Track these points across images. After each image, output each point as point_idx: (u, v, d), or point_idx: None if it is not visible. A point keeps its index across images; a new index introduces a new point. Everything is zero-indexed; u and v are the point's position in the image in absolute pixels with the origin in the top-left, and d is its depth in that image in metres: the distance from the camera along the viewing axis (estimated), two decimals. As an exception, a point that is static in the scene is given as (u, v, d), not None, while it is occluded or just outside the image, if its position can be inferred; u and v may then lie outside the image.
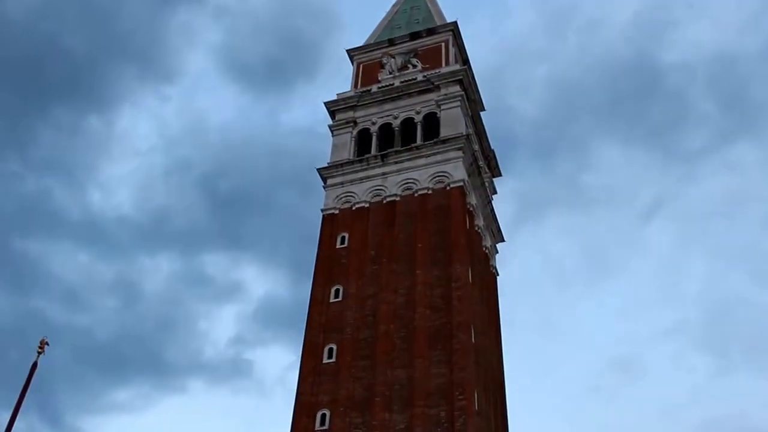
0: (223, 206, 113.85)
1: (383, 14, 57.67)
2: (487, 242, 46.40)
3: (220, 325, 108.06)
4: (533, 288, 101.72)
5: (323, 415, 35.54)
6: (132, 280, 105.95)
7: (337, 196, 44.03)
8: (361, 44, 53.83)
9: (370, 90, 49.32)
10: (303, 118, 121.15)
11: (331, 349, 37.71)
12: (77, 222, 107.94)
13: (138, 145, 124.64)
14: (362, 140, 47.06)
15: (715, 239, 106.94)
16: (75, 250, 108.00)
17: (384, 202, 42.88)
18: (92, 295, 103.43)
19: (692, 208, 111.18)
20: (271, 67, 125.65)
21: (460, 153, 43.19)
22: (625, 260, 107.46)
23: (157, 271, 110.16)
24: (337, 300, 39.44)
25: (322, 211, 43.74)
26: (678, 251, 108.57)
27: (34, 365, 24.09)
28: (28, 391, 23.76)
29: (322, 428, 35.13)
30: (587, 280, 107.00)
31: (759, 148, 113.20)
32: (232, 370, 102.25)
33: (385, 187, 43.42)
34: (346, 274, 40.22)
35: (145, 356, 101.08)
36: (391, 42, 52.37)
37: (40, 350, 24.35)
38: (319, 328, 38.46)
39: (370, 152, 45.77)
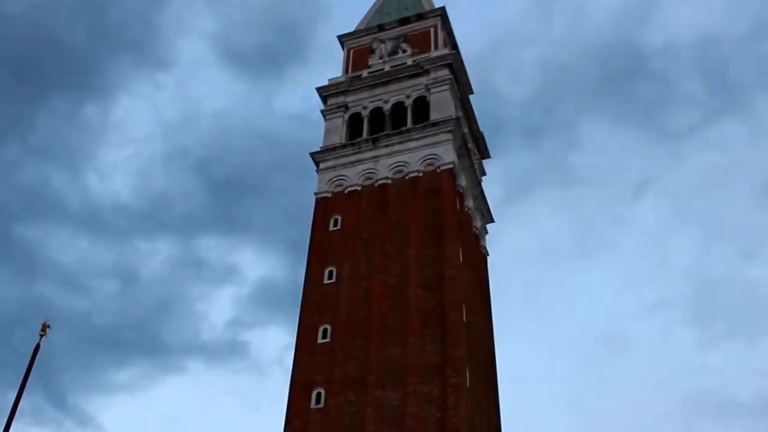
0: (218, 191, 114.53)
1: (373, 1, 57.77)
2: (477, 223, 46.76)
3: (218, 308, 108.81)
4: (523, 267, 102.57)
5: (318, 394, 35.99)
6: (130, 265, 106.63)
7: (330, 180, 44.33)
8: (351, 30, 53.94)
9: (361, 75, 49.55)
10: (296, 104, 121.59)
11: (325, 330, 38.10)
12: (76, 208, 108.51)
13: (134, 133, 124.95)
14: (354, 124, 47.36)
15: (702, 216, 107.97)
16: (74, 236, 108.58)
17: (376, 185, 43.22)
18: (92, 279, 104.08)
19: (679, 185, 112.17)
20: (264, 54, 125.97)
21: (449, 136, 43.51)
22: (614, 237, 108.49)
23: (155, 255, 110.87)
24: (331, 281, 39.76)
25: (315, 194, 44.06)
26: (666, 228, 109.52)
27: (37, 347, 24.53)
28: (32, 372, 24.23)
29: (317, 406, 35.59)
30: (576, 257, 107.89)
31: (743, 126, 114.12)
32: (229, 351, 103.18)
33: (377, 170, 43.73)
34: (340, 256, 40.53)
35: (145, 338, 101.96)
36: (381, 27, 52.54)
37: (42, 333, 24.77)
38: (314, 309, 38.83)
39: (361, 136, 46.07)
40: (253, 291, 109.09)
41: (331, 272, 40.16)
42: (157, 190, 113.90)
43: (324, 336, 37.97)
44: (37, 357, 24.53)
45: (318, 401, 35.83)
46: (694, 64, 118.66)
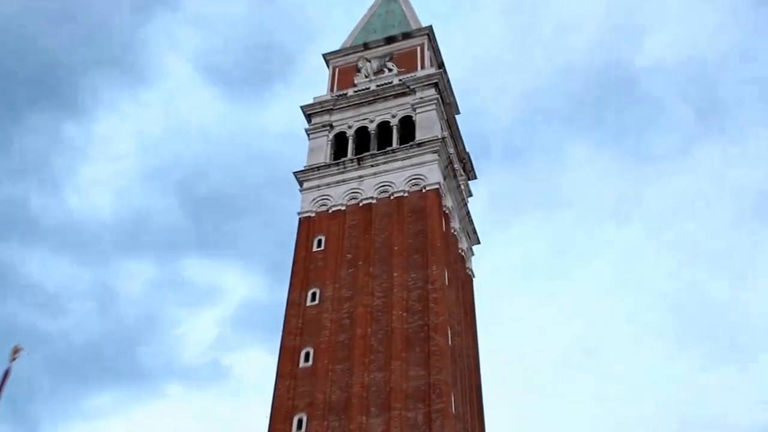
0: (201, 210, 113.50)
1: (359, 18, 57.50)
2: (463, 244, 46.37)
3: (199, 330, 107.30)
4: (506, 288, 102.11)
5: (300, 420, 35.22)
6: (110, 285, 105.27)
7: (314, 199, 43.80)
8: (337, 48, 53.62)
9: (346, 94, 49.18)
10: (281, 122, 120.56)
11: (307, 353, 37.46)
12: (55, 226, 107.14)
13: (116, 150, 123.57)
14: (338, 144, 46.91)
15: (685, 237, 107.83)
16: (52, 255, 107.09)
17: (360, 205, 42.71)
18: (69, 300, 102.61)
19: (661, 207, 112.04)
20: (249, 71, 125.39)
21: (435, 156, 43.14)
22: (596, 258, 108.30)
23: (136, 275, 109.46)
24: (314, 303, 39.19)
25: (299, 214, 43.49)
26: (647, 250, 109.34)
27: (7, 372, 23.60)
28: (1, 399, 23.29)
29: (299, 432, 34.88)
30: (558, 277, 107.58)
31: (728, 148, 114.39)
32: (210, 375, 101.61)
33: (362, 190, 43.26)
34: (323, 277, 39.99)
35: (123, 361, 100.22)
36: (367, 46, 52.22)
37: (13, 357, 23.85)
38: (296, 332, 38.18)
39: (346, 155, 45.61)
40: (236, 313, 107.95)
41: (314, 294, 39.61)
42: (138, 209, 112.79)
43: (306, 359, 37.33)
44: (7, 382, 23.61)
45: (300, 427, 35.05)
46: (678, 87, 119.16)
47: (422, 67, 49.19)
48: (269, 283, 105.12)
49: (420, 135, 44.56)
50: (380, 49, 51.65)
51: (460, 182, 47.31)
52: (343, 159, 45.27)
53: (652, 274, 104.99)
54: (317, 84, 52.64)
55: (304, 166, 45.66)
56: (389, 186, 42.83)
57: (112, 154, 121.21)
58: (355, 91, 49.17)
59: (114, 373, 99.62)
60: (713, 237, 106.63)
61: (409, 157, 43.59)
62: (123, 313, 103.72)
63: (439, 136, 44.41)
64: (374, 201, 42.58)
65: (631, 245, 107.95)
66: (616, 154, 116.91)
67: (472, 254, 48.45)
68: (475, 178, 52.08)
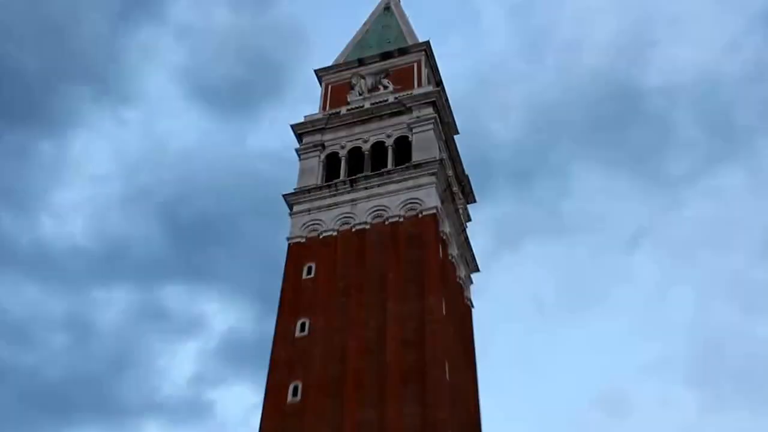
0: (183, 236, 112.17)
1: (353, 33, 57.24)
2: (462, 272, 45.79)
3: (180, 363, 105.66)
4: (510, 321, 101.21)
5: (287, 460, 34.52)
6: (84, 315, 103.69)
7: (304, 224, 43.28)
8: (329, 64, 53.31)
9: (339, 112, 48.80)
10: (270, 142, 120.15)
11: (296, 388, 36.76)
12: (25, 252, 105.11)
13: (93, 171, 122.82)
14: (331, 165, 46.46)
15: (702, 268, 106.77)
16: (22, 283, 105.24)
17: (353, 230, 42.21)
18: (40, 331, 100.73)
19: (677, 236, 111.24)
20: (237, 88, 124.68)
21: (433, 179, 42.69)
22: (608, 291, 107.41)
23: (112, 304, 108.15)
24: (303, 334, 38.62)
25: (288, 239, 42.94)
26: (663, 281, 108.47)
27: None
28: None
29: (286, 473, 34.14)
30: (568, 311, 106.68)
31: (745, 172, 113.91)
32: (191, 412, 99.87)
33: (355, 214, 42.76)
34: (313, 307, 39.42)
35: (97, 397, 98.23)
36: (361, 62, 51.97)
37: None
38: (284, 365, 37.53)
39: (338, 177, 45.17)
40: (219, 345, 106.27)
41: (303, 325, 39.01)
42: (115, 234, 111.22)
43: (294, 395, 36.64)
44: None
45: (286, 468, 34.27)
46: (692, 107, 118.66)
47: (419, 85, 48.93)
48: (255, 313, 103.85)
49: (417, 156, 44.18)
50: (375, 65, 51.44)
51: (459, 206, 46.92)
52: (335, 181, 44.83)
53: (669, 308, 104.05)
54: (309, 102, 52.47)
55: (294, 189, 45.17)
56: (384, 210, 42.36)
57: (89, 175, 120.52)
58: (349, 110, 48.79)
59: (88, 410, 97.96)
60: (737, 267, 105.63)
61: (405, 180, 43.17)
62: (98, 344, 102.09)
63: (437, 158, 44.02)
64: (368, 226, 42.13)
65: (647, 276, 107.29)
66: (628, 177, 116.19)
67: (471, 283, 47.87)
68: (475, 201, 51.67)
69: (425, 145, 44.77)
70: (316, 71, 52.98)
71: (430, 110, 46.45)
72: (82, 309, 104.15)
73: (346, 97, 50.14)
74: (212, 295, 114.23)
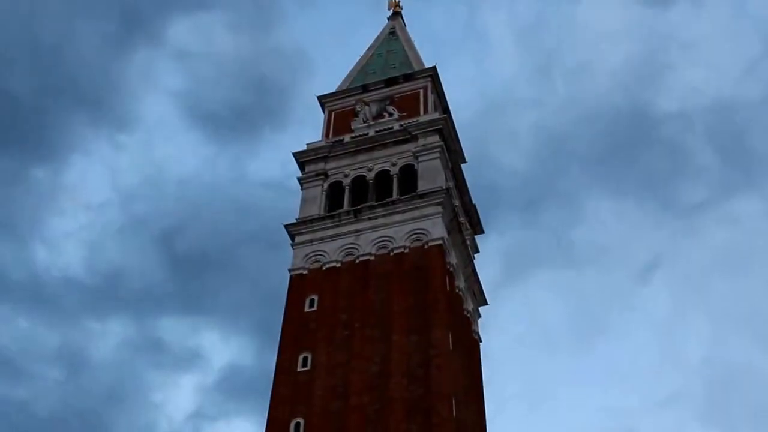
0: (182, 266, 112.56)
1: (357, 58, 58.18)
2: (469, 305, 46.28)
3: (177, 398, 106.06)
4: (519, 354, 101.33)
5: (289, 499, 34.96)
6: (79, 348, 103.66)
7: (306, 255, 43.81)
8: (333, 90, 54.12)
9: (343, 140, 49.48)
10: (271, 170, 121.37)
11: (297, 424, 37.07)
12: (18, 283, 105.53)
13: (89, 199, 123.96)
14: (334, 194, 47.09)
15: (717, 300, 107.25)
16: (15, 315, 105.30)
17: (357, 261, 42.75)
18: (32, 364, 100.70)
19: (691, 266, 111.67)
20: (237, 114, 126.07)
21: (439, 208, 43.27)
22: (620, 322, 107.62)
23: (108, 337, 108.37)
24: (305, 369, 38.96)
25: (290, 271, 43.50)
26: (677, 313, 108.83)
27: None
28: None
29: None
30: (578, 344, 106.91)
31: (761, 199, 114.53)
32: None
33: (358, 245, 43.31)
34: (315, 341, 39.83)
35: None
36: (365, 88, 52.74)
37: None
38: (285, 401, 37.85)
39: (342, 207, 45.75)
40: (218, 379, 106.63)
41: (305, 359, 39.37)
42: (111, 264, 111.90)
43: (296, 431, 36.86)
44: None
45: (288, 507, 34.68)
46: (707, 133, 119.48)
47: (425, 112, 49.66)
48: (256, 346, 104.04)
49: (422, 185, 44.75)
50: (380, 91, 52.21)
51: (466, 237, 47.37)
52: (338, 211, 45.38)
53: (683, 340, 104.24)
54: (311, 129, 53.26)
55: (296, 219, 45.72)
56: (389, 241, 42.90)
57: (84, 203, 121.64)
58: (353, 137, 49.45)
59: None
60: (753, 298, 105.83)
61: (411, 210, 43.73)
62: (92, 378, 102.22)
63: (444, 187, 44.60)
64: (372, 257, 42.62)
65: (660, 307, 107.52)
66: (641, 205, 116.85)
67: (479, 316, 48.31)
68: (483, 232, 52.29)
69: (431, 174, 45.33)
70: (318, 97, 53.76)
71: (436, 138, 47.09)
72: (76, 341, 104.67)
73: (349, 125, 50.85)
74: (211, 328, 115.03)
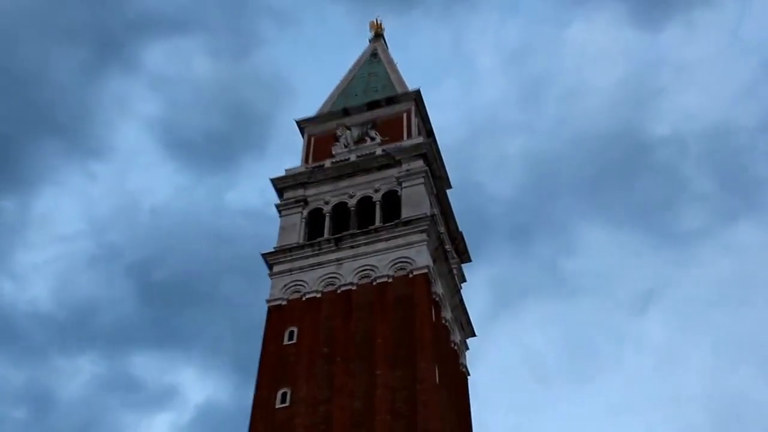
0: (156, 298, 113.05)
1: (338, 82, 59.06)
2: (456, 337, 46.78)
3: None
4: (510, 389, 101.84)
5: None
6: (45, 386, 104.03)
7: (285, 285, 44.28)
8: (313, 114, 54.99)
9: (323, 165, 50.17)
10: (250, 198, 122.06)
11: (277, 463, 37.38)
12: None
13: (59, 230, 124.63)
14: (314, 222, 47.68)
15: (718, 330, 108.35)
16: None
17: (338, 291, 43.28)
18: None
19: (690, 296, 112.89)
20: (214, 141, 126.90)
21: (424, 236, 43.92)
22: (616, 356, 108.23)
23: (77, 374, 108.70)
24: (284, 405, 39.17)
25: (268, 302, 43.92)
26: (676, 344, 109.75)
27: None
28: None
29: None
30: (572, 379, 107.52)
31: (762, 226, 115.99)
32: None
33: (340, 274, 43.87)
34: (295, 376, 40.13)
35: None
36: (347, 112, 53.62)
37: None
38: (264, 439, 38.15)
39: (322, 235, 46.31)
40: (195, 417, 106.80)
41: (284, 395, 39.61)
42: (82, 298, 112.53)
43: (275, 471, 37.30)
44: None
45: None
46: (703, 157, 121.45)
47: (409, 136, 50.51)
48: (233, 382, 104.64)
49: (406, 212, 45.38)
50: (361, 115, 53.07)
51: (453, 266, 47.92)
52: (318, 239, 45.93)
53: (684, 374, 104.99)
54: (290, 154, 53.89)
55: (275, 247, 46.20)
56: (371, 270, 43.46)
57: (54, 235, 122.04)
58: (333, 163, 50.17)
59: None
60: (756, 328, 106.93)
61: (394, 238, 44.32)
62: (60, 418, 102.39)
63: (429, 214, 45.23)
64: (354, 287, 43.10)
65: (659, 339, 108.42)
66: (636, 233, 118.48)
67: (467, 348, 48.83)
68: (470, 260, 53.01)
69: (415, 200, 46.03)
70: (298, 122, 54.53)
71: (420, 163, 47.90)
72: (42, 379, 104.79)
73: (330, 150, 51.49)
74: (187, 363, 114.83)
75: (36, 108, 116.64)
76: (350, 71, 59.88)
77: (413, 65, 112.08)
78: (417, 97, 53.39)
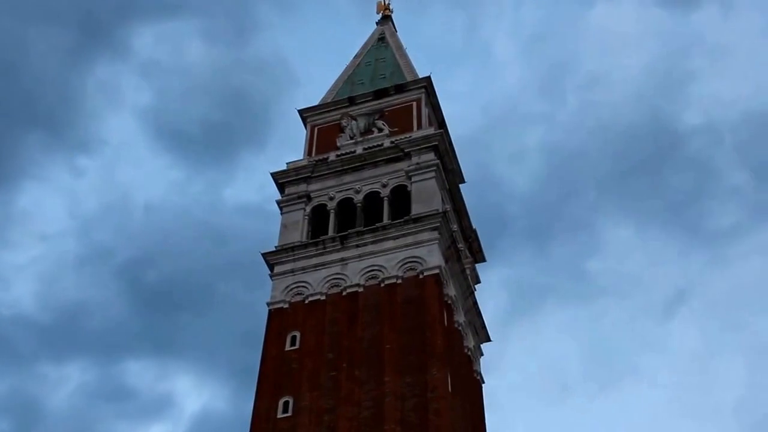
0: (149, 302, 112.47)
1: (343, 68, 58.43)
2: (470, 342, 46.28)
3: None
4: (527, 398, 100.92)
5: None
6: (31, 396, 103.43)
7: (287, 287, 43.79)
8: (316, 103, 54.35)
9: (327, 158, 49.62)
10: (249, 194, 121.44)
11: (278, 478, 37.04)
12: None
13: (44, 229, 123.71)
14: (317, 219, 47.16)
15: (753, 337, 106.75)
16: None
17: (344, 293, 42.75)
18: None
19: (722, 299, 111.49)
20: (211, 132, 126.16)
21: (435, 234, 43.30)
22: (642, 363, 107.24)
23: (65, 382, 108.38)
24: (286, 415, 38.84)
25: (268, 305, 43.48)
26: (707, 352, 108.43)
27: None
28: None
29: None
30: (595, 387, 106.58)
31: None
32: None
33: (345, 275, 43.30)
34: (298, 383, 39.73)
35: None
36: (352, 101, 52.97)
37: None
38: (265, 452, 37.75)
39: (326, 233, 45.80)
40: (191, 427, 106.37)
41: (286, 404, 39.24)
42: (70, 300, 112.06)
43: (277, 487, 36.93)
44: None
45: None
46: (738, 149, 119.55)
47: (419, 127, 49.86)
48: (231, 390, 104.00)
49: (416, 208, 44.83)
50: (368, 104, 52.45)
51: (466, 266, 47.49)
52: (323, 237, 45.42)
53: (714, 382, 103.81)
54: (293, 147, 53.13)
55: (276, 247, 45.77)
56: (379, 271, 42.91)
57: (39, 234, 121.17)
58: (338, 156, 49.58)
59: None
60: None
61: (404, 236, 43.78)
62: (47, 430, 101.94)
63: (440, 210, 44.70)
64: (361, 289, 42.63)
65: (688, 345, 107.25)
66: (664, 231, 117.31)
67: (481, 354, 48.45)
68: (485, 260, 52.55)
69: (426, 195, 45.45)
70: (300, 111, 53.97)
71: (431, 156, 47.19)
72: (27, 388, 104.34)
73: (335, 141, 51.01)
74: (182, 370, 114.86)
75: (15, 97, 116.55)
76: (356, 57, 59.35)
77: (424, 50, 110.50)
78: (428, 84, 52.60)
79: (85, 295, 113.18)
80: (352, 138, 50.76)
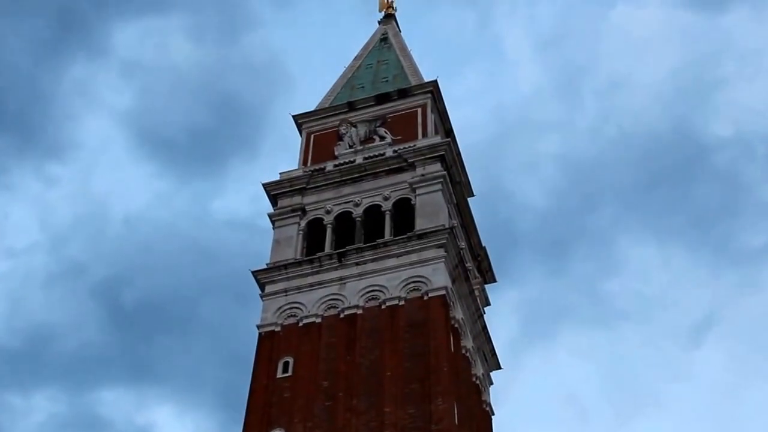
0: (126, 324, 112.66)
1: (342, 70, 58.72)
2: (478, 370, 46.46)
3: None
4: (541, 431, 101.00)
5: None
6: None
7: (279, 308, 43.95)
8: (312, 109, 54.68)
9: (324, 168, 49.91)
10: (239, 206, 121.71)
11: None
12: None
13: (12, 243, 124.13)
14: (313, 234, 47.37)
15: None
16: None
17: (341, 316, 42.88)
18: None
19: (753, 324, 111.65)
20: (197, 139, 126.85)
21: (441, 252, 43.46)
22: (666, 392, 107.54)
23: (32, 413, 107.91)
24: (277, 449, 38.93)
25: (259, 328, 43.60)
26: (736, 379, 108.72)
27: None
28: None
29: None
30: (615, 419, 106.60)
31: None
32: None
33: (343, 296, 43.48)
34: (290, 414, 39.76)
35: None
36: (352, 106, 53.37)
37: None
38: (253, 489, 37.87)
39: (323, 250, 45.98)
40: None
41: (277, 436, 39.37)
42: (39, 322, 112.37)
43: None
44: None
45: None
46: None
47: (424, 135, 50.16)
48: (217, 421, 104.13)
49: (421, 224, 44.98)
50: (369, 110, 52.82)
51: (475, 287, 47.54)
52: (318, 254, 45.61)
53: (744, 413, 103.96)
54: (286, 155, 53.47)
55: (267, 264, 45.97)
56: (380, 291, 43.06)
57: (5, 248, 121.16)
58: (336, 165, 49.85)
59: None
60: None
61: (407, 253, 43.93)
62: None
63: (447, 225, 44.87)
64: (360, 311, 42.74)
65: (715, 373, 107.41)
66: (690, 249, 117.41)
67: (491, 383, 48.55)
68: (495, 281, 52.86)
69: (432, 209, 45.57)
70: (295, 117, 54.26)
71: (437, 166, 47.44)
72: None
73: (332, 150, 51.28)
74: (163, 399, 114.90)
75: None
76: (356, 58, 59.84)
77: (430, 51, 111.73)
78: (434, 89, 52.99)
79: (55, 316, 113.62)
80: (351, 146, 51.04)
